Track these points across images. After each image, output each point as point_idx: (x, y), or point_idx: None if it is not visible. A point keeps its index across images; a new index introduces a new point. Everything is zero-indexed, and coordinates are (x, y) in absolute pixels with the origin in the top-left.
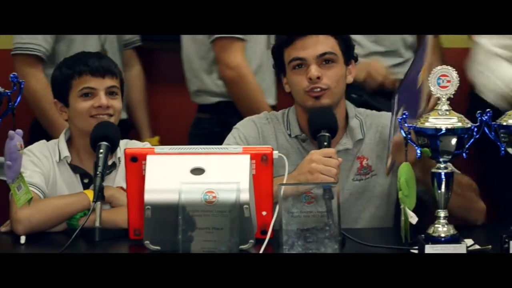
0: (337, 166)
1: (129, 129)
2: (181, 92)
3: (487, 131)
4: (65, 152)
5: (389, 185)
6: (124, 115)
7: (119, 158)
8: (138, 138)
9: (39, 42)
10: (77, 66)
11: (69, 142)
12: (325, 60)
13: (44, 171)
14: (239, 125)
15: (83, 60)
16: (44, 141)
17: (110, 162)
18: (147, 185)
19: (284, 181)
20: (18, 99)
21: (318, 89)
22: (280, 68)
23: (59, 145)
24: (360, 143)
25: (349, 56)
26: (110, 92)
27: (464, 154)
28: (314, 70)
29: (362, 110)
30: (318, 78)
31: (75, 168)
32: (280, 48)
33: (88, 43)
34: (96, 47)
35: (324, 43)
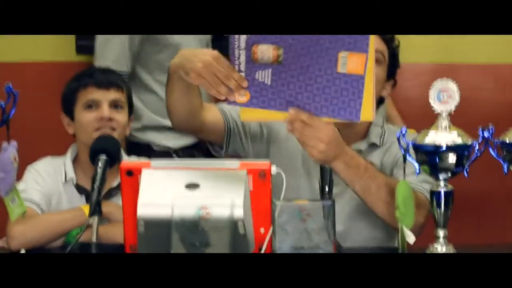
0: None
1: None
2: None
3: (490, 148)
4: (71, 173)
5: None
6: None
7: None
8: None
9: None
10: (83, 79)
11: (75, 160)
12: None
13: (46, 190)
14: None
15: (89, 74)
16: (50, 157)
17: (115, 183)
18: (141, 200)
19: (282, 195)
20: (13, 110)
21: None
22: None
23: (65, 164)
24: (373, 149)
25: (394, 67)
26: (114, 105)
27: (465, 172)
28: None
29: (393, 126)
30: None
31: (80, 189)
32: None
33: None
34: None
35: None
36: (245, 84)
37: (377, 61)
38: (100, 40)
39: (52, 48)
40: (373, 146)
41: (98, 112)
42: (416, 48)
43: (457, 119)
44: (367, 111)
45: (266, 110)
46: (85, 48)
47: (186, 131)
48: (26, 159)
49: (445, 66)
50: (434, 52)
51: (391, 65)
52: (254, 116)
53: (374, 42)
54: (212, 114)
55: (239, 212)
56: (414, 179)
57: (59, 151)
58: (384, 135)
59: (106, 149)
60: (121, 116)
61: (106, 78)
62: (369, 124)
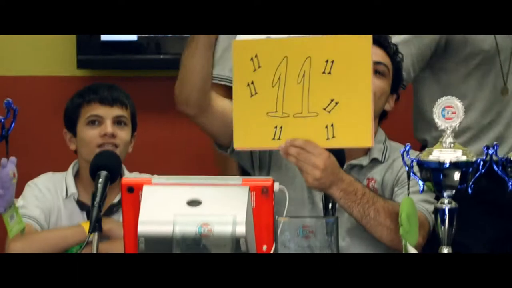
0: None
1: None
2: None
3: (494, 165)
4: (72, 189)
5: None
6: None
7: None
8: None
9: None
10: (87, 95)
11: (77, 176)
12: (376, 70)
13: (46, 206)
14: None
15: (94, 89)
16: (51, 173)
17: (116, 200)
18: (141, 217)
19: (285, 212)
20: (12, 125)
21: None
22: None
23: (67, 180)
24: (375, 165)
25: (398, 81)
26: (118, 122)
27: (469, 190)
28: None
29: (395, 143)
30: None
31: (82, 205)
32: None
33: None
34: None
35: (376, 53)
36: None
37: (382, 73)
38: (219, 49)
39: (52, 63)
40: (375, 161)
41: (101, 128)
42: None
43: None
44: (367, 137)
45: (260, 139)
46: (86, 62)
47: (194, 108)
48: (25, 175)
49: None
50: None
51: (395, 79)
52: (247, 145)
53: (378, 54)
54: (223, 102)
55: (241, 229)
56: (416, 199)
57: (59, 167)
58: (387, 151)
59: (106, 165)
60: (124, 133)
61: (110, 95)
62: None
